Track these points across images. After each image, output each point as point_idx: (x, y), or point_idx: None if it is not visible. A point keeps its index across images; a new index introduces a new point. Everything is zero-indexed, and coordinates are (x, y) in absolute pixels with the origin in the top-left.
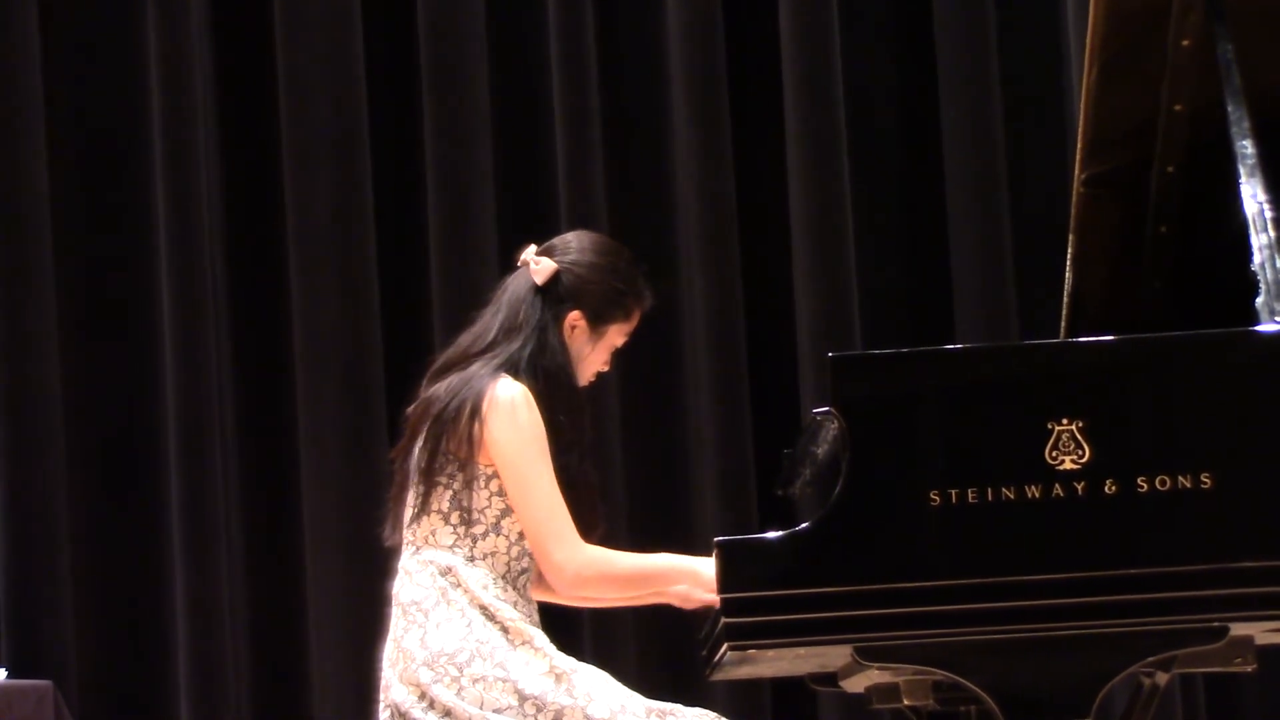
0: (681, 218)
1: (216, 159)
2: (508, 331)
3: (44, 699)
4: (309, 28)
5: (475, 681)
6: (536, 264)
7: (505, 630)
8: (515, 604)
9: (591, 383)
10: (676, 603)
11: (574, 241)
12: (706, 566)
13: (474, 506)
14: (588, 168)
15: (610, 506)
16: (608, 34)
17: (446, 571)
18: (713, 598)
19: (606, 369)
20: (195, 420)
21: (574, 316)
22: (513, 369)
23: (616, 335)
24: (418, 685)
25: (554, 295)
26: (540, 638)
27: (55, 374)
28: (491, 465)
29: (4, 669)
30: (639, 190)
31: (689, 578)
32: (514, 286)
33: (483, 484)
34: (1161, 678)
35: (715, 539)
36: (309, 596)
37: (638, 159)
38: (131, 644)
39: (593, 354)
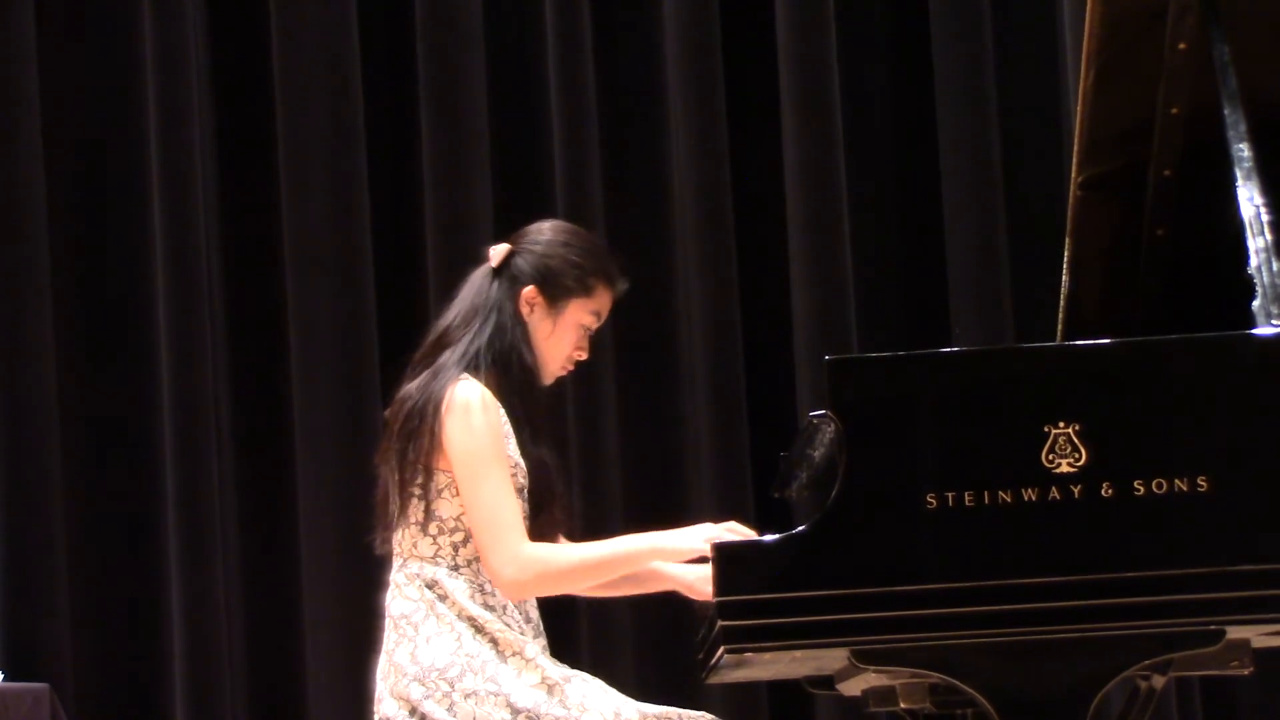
0: (678, 217)
1: (213, 160)
2: (465, 317)
3: (40, 702)
4: (305, 28)
5: (467, 696)
6: (494, 251)
7: (495, 643)
8: (505, 608)
9: (569, 371)
10: (684, 591)
11: (538, 225)
12: (666, 539)
13: (447, 515)
14: (585, 167)
15: (606, 508)
16: (605, 33)
17: (433, 584)
18: (683, 570)
19: (583, 356)
20: (191, 423)
21: (529, 293)
22: (474, 362)
23: (580, 313)
24: (408, 700)
25: (509, 275)
26: (531, 648)
27: (52, 377)
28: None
29: (1, 672)
30: (636, 190)
31: (650, 556)
32: (473, 277)
33: (452, 493)
34: (1158, 680)
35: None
36: (305, 600)
37: (634, 159)
38: (128, 648)
39: (556, 333)
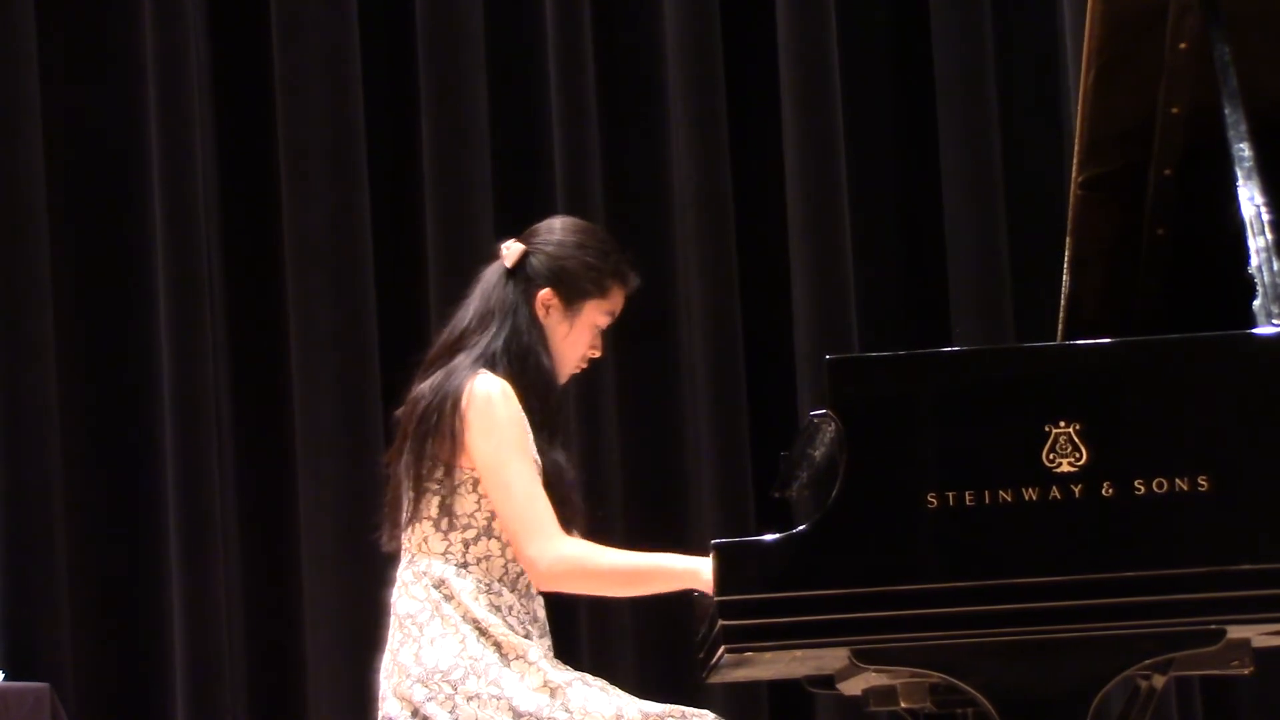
0: (678, 217)
1: (213, 160)
2: (481, 319)
3: (41, 701)
4: (305, 27)
5: (469, 699)
6: (507, 249)
7: (499, 646)
8: (511, 608)
9: (583, 369)
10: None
11: (549, 223)
12: (709, 567)
13: (462, 511)
14: (585, 167)
15: (607, 507)
16: (604, 33)
17: (440, 584)
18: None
19: (597, 354)
20: (192, 423)
21: (545, 295)
22: (490, 360)
23: (595, 313)
24: (410, 701)
25: (523, 276)
26: (535, 651)
27: (52, 377)
28: (475, 469)
29: (1, 671)
30: (636, 190)
31: (690, 579)
32: (486, 275)
33: (469, 488)
34: (1158, 680)
35: (712, 541)
36: (305, 599)
37: (634, 159)
38: (128, 647)
39: (572, 334)
